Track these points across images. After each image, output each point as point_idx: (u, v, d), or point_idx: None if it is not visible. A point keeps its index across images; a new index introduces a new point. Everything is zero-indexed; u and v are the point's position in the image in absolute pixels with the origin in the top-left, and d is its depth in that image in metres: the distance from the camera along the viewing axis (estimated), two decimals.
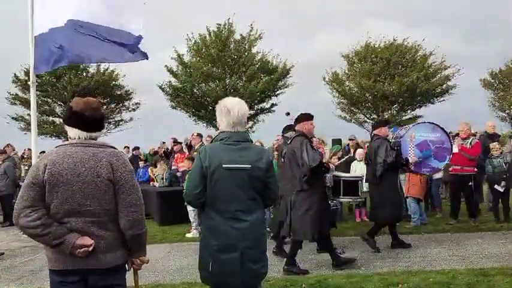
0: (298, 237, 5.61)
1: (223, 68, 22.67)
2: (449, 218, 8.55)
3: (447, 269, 5.49)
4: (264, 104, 24.33)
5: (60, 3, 6.77)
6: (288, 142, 5.89)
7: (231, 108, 2.89)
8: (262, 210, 2.97)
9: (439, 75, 23.84)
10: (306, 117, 5.74)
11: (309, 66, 31.80)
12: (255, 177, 2.84)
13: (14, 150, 11.82)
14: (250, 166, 2.82)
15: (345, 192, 7.08)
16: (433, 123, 7.20)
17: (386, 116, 24.35)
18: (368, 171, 6.96)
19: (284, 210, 5.94)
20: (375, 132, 6.98)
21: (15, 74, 23.17)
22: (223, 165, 2.79)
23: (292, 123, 6.06)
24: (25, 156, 13.64)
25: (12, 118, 23.67)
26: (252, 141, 3.08)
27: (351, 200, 7.68)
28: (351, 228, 8.32)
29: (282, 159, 6.54)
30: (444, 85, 23.85)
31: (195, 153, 8.95)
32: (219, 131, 2.99)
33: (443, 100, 24.39)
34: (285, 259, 5.74)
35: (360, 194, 7.21)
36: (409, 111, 24.96)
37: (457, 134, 8.70)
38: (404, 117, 24.92)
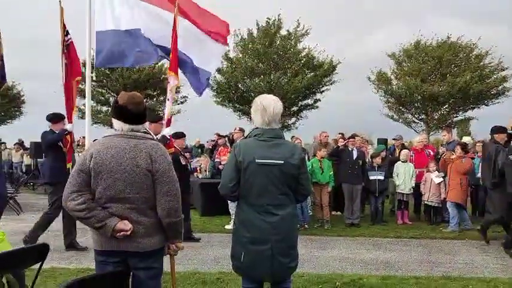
0: None
1: (268, 64, 22.73)
2: (498, 225, 8.21)
3: (489, 277, 5.32)
4: (308, 100, 24.19)
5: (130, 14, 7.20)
6: None
7: (267, 106, 2.96)
8: (294, 206, 3.02)
9: (495, 76, 22.67)
10: None
11: (362, 62, 31.18)
12: (287, 173, 2.90)
13: None
14: (282, 162, 2.89)
15: None
16: None
17: (436, 117, 23.50)
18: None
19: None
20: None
21: None
22: (257, 160, 2.87)
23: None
24: (80, 143, 14.39)
25: None
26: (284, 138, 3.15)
27: None
28: (391, 230, 8.19)
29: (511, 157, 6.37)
30: (500, 86, 22.66)
31: None
32: (253, 127, 3.09)
33: (499, 102, 23.19)
34: None
35: None
36: (460, 113, 23.95)
37: None
38: (455, 119, 23.98)
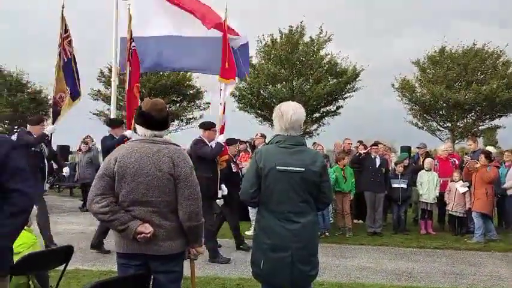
0: None
1: (291, 70, 22.71)
2: None
3: None
4: (330, 106, 24.04)
5: (155, 18, 7.28)
6: None
7: (285, 113, 2.96)
8: (314, 213, 3.00)
9: None
10: None
11: (385, 68, 30.67)
12: (308, 180, 2.89)
13: (93, 141, 12.73)
14: (303, 169, 2.88)
15: None
16: None
17: (462, 125, 22.99)
18: None
19: None
20: None
21: (101, 70, 24.90)
22: (277, 167, 2.87)
23: None
24: None
25: (94, 114, 25.37)
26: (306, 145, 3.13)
27: None
28: (414, 240, 8.03)
29: None
30: None
31: None
32: (274, 134, 3.08)
33: None
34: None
35: None
36: (487, 121, 23.36)
37: None
38: (481, 127, 23.40)
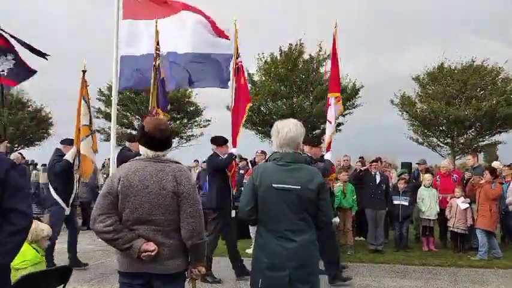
0: None
1: (291, 87, 22.84)
2: None
3: None
4: None
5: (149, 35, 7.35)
6: None
7: (281, 129, 2.97)
8: (312, 232, 2.96)
9: None
10: None
11: (385, 83, 30.57)
12: (305, 198, 2.87)
13: None
14: (300, 187, 2.86)
15: None
16: None
17: (462, 141, 22.98)
18: None
19: None
20: None
21: (100, 89, 25.02)
22: (273, 185, 2.86)
23: None
24: (105, 165, 14.66)
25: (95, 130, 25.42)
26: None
27: None
28: (416, 258, 7.95)
29: None
30: None
31: None
32: (272, 151, 3.08)
33: None
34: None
35: None
36: (487, 137, 23.38)
37: None
38: (482, 143, 23.38)
